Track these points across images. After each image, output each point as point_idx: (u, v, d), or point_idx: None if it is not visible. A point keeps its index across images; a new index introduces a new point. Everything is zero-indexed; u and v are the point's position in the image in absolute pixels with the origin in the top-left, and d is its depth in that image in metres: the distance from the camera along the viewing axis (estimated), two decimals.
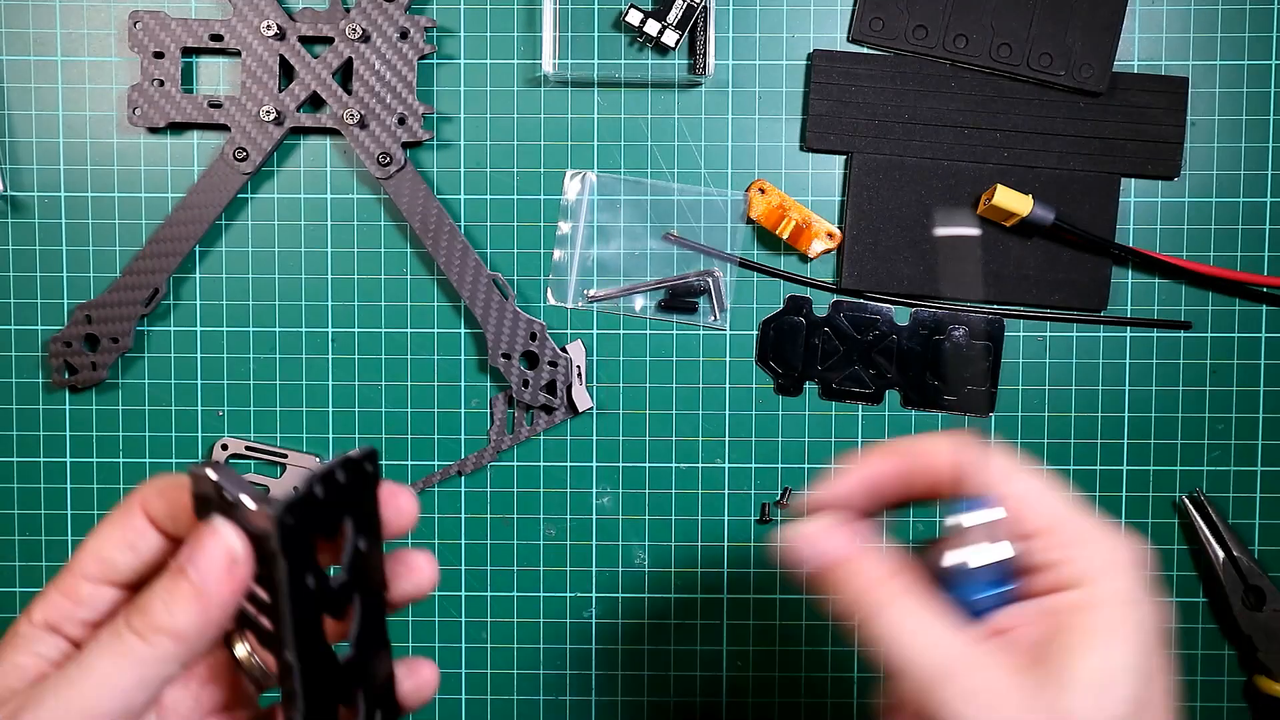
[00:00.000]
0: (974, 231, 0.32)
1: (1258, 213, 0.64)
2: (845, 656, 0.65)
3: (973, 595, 0.33)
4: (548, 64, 0.62)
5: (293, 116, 0.62)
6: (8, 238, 0.64)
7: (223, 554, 0.29)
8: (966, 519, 0.33)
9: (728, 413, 0.65)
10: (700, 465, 0.65)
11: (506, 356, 0.63)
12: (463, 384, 0.65)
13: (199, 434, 0.65)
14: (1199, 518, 0.64)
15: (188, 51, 0.63)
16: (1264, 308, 0.64)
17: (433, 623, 0.65)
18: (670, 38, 0.61)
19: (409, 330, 0.65)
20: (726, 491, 0.65)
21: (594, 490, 0.65)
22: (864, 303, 0.64)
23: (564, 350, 0.64)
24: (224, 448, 0.64)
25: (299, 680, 0.29)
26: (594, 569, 0.65)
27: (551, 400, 0.63)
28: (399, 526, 0.33)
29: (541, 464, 0.65)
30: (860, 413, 0.65)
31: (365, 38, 0.61)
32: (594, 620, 0.66)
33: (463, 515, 0.65)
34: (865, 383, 0.65)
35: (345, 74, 0.62)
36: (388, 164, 0.62)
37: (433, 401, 0.65)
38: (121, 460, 0.65)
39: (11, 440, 0.65)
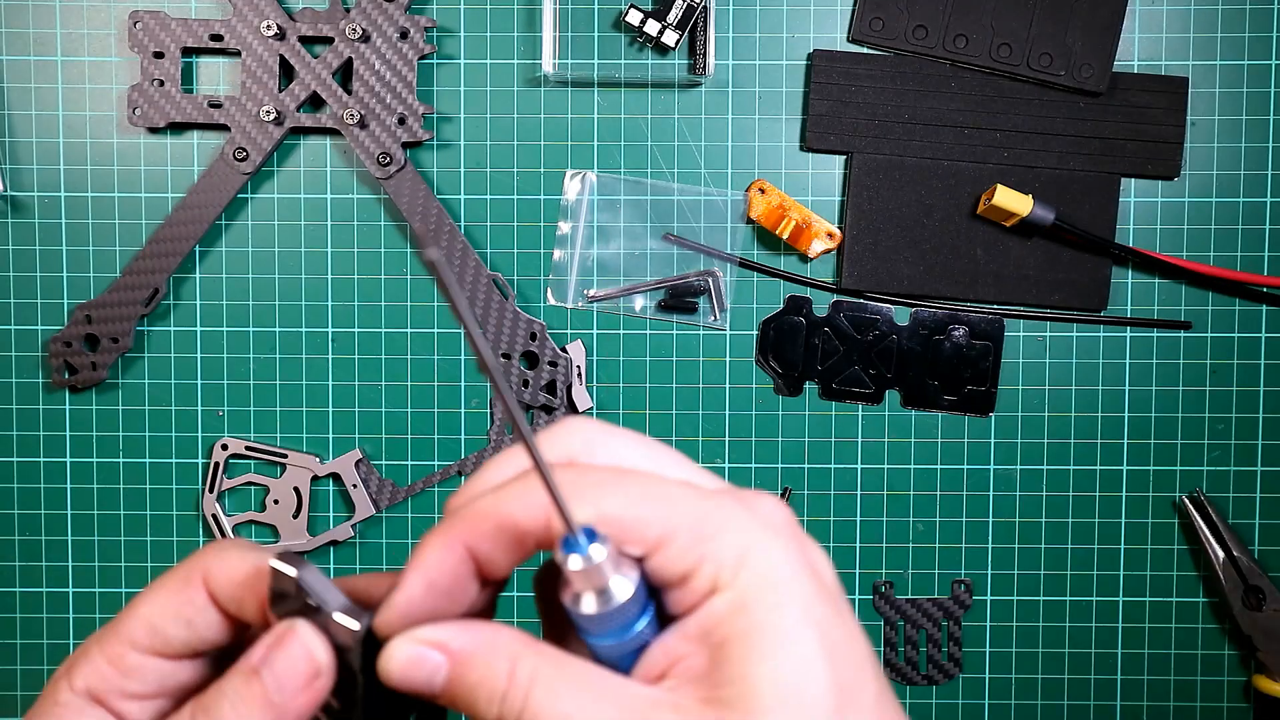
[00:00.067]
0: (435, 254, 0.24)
1: (1258, 213, 0.64)
2: None
3: (620, 637, 0.26)
4: (548, 64, 0.62)
5: (293, 116, 0.62)
6: (8, 238, 0.64)
7: (306, 665, 0.26)
8: (570, 565, 0.25)
9: (728, 413, 0.65)
10: (700, 465, 0.65)
11: (506, 356, 0.63)
12: (463, 384, 0.65)
13: (199, 434, 0.65)
14: (1199, 518, 0.64)
15: (188, 51, 0.63)
16: (1264, 308, 0.64)
17: None
18: (670, 38, 0.61)
19: (409, 330, 0.65)
20: None
21: None
22: (864, 303, 0.64)
23: (564, 350, 0.64)
24: (224, 448, 0.64)
25: None
26: None
27: (551, 400, 0.63)
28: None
29: None
30: (860, 413, 0.65)
31: (365, 38, 0.61)
32: None
33: None
34: (865, 383, 0.65)
35: (345, 74, 0.62)
36: (388, 164, 0.62)
37: (433, 401, 0.65)
38: (121, 460, 0.65)
39: (11, 440, 0.65)
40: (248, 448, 0.64)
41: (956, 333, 0.64)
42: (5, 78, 0.64)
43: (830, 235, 0.63)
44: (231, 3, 0.61)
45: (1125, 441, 0.65)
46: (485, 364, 0.24)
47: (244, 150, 0.62)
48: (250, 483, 0.65)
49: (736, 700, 0.24)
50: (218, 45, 0.62)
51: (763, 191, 0.63)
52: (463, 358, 0.65)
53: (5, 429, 0.65)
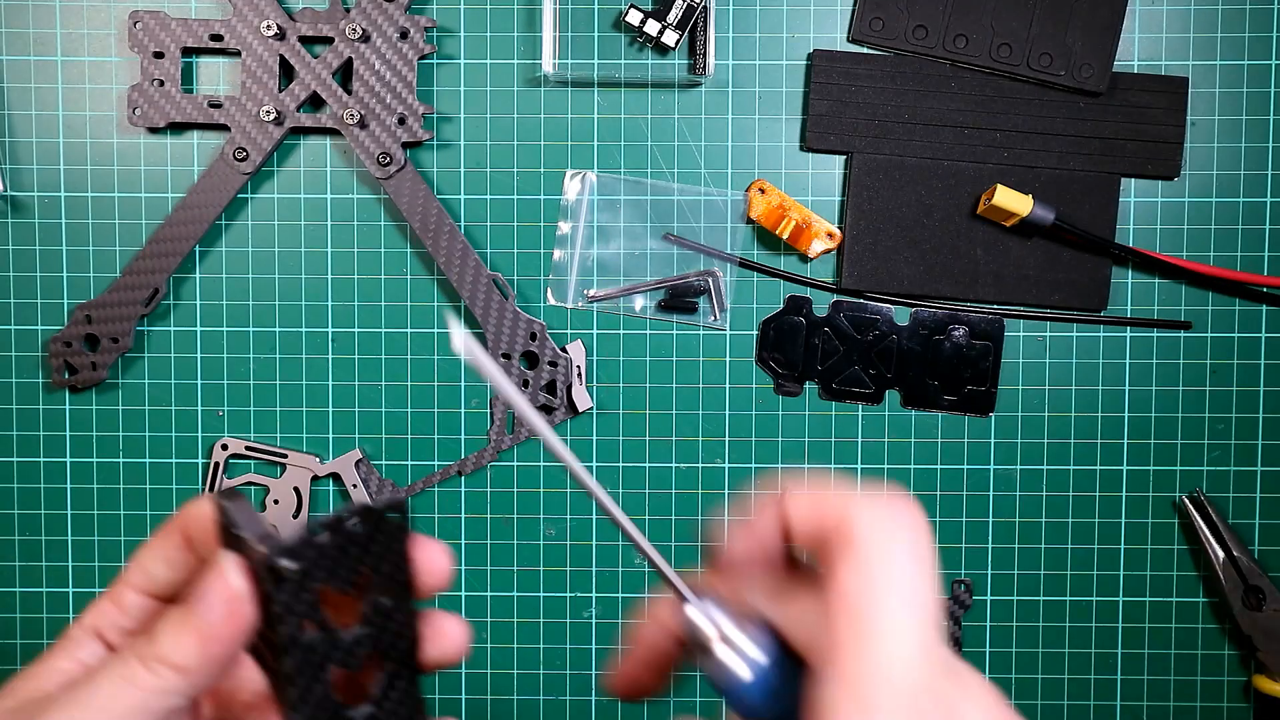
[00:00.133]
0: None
1: (1258, 213, 0.64)
2: None
3: (769, 698, 0.28)
4: (548, 64, 0.62)
5: (293, 116, 0.62)
6: (8, 238, 0.64)
7: (225, 592, 0.28)
8: (704, 631, 0.29)
9: (728, 413, 0.65)
10: (700, 465, 0.65)
11: (506, 356, 0.63)
12: (463, 384, 0.65)
13: (199, 434, 0.65)
14: (1199, 518, 0.64)
15: (188, 51, 0.63)
16: (1264, 308, 0.64)
17: None
18: (670, 38, 0.61)
19: (409, 330, 0.65)
20: (726, 491, 0.65)
21: None
22: (864, 303, 0.64)
23: (564, 350, 0.64)
24: (224, 448, 0.64)
25: None
26: (594, 569, 0.65)
27: (551, 400, 0.63)
28: (430, 585, 0.31)
29: (541, 464, 0.65)
30: (860, 413, 0.65)
31: (365, 38, 0.61)
32: (594, 620, 0.66)
33: (463, 515, 0.65)
34: (865, 383, 0.65)
35: (345, 74, 0.62)
36: (388, 164, 0.62)
37: (433, 401, 0.65)
38: (121, 460, 0.65)
39: (11, 440, 0.65)
40: (248, 448, 0.64)
41: (956, 333, 0.64)
42: (5, 78, 0.64)
43: (830, 235, 0.63)
44: (231, 3, 0.61)
45: (1125, 441, 0.65)
46: (616, 521, 0.29)
47: (244, 150, 0.62)
48: (250, 483, 0.65)
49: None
50: (218, 45, 0.62)
51: (763, 191, 0.63)
52: (463, 358, 0.65)
53: (5, 429, 0.65)
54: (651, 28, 0.61)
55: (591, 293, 0.64)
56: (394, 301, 0.64)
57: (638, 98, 0.64)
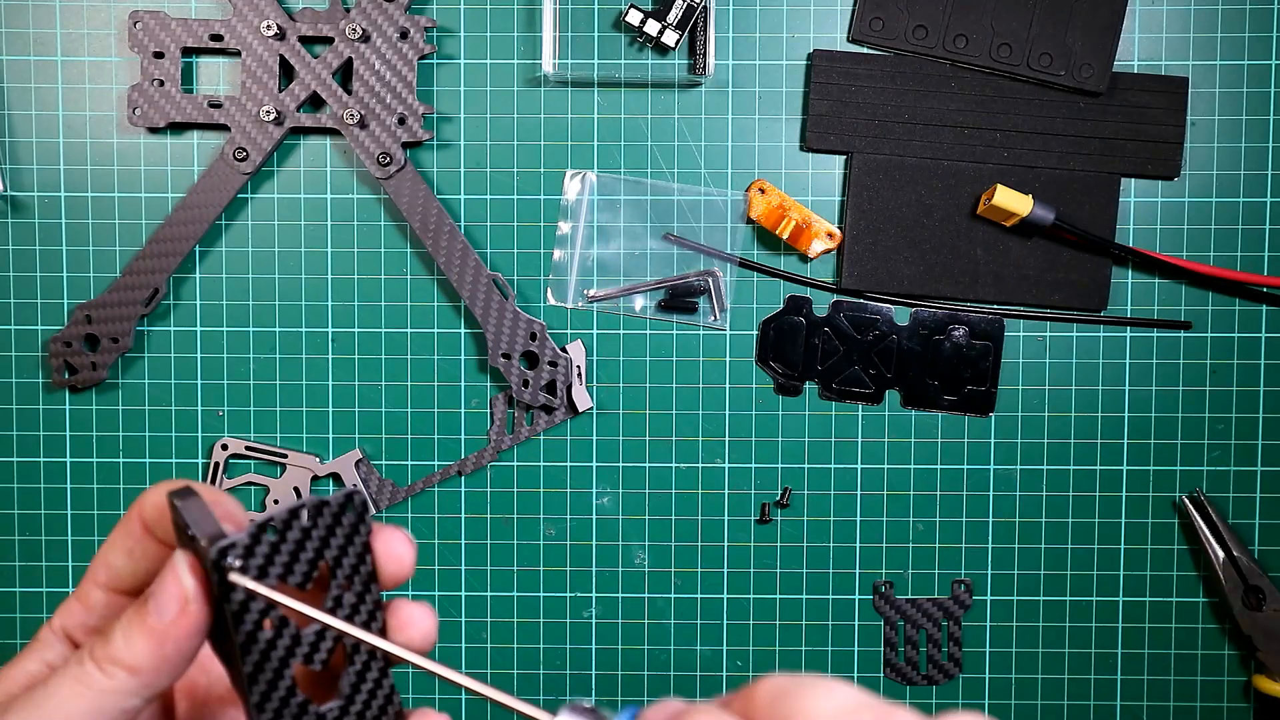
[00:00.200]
0: None
1: (1258, 213, 0.64)
2: (845, 656, 0.65)
3: None
4: (548, 64, 0.62)
5: (293, 116, 0.62)
6: (8, 238, 0.64)
7: (177, 592, 0.28)
8: None
9: (728, 413, 0.65)
10: (700, 465, 0.65)
11: (506, 356, 0.63)
12: (463, 384, 0.65)
13: (199, 434, 0.65)
14: (1199, 518, 0.64)
15: (188, 51, 0.63)
16: (1264, 308, 0.64)
17: None
18: (670, 38, 0.61)
19: (409, 330, 0.65)
20: (726, 491, 0.65)
21: (594, 490, 0.65)
22: (864, 303, 0.64)
23: (564, 350, 0.64)
24: (224, 448, 0.64)
25: None
26: (594, 569, 0.65)
27: (551, 400, 0.63)
28: (394, 576, 0.30)
29: (541, 464, 0.65)
30: (860, 413, 0.65)
31: (365, 38, 0.61)
32: (594, 620, 0.66)
33: (463, 515, 0.65)
34: (865, 383, 0.65)
35: (345, 74, 0.62)
36: (388, 164, 0.62)
37: (433, 401, 0.65)
38: (121, 460, 0.65)
39: (11, 440, 0.65)
40: (248, 448, 0.64)
41: (956, 333, 0.64)
42: (5, 78, 0.64)
43: (830, 235, 0.63)
44: (231, 3, 0.61)
45: (1125, 441, 0.65)
46: None
47: (244, 150, 0.62)
48: (250, 483, 0.65)
49: None
50: (218, 45, 0.62)
51: (763, 191, 0.63)
52: (462, 358, 0.65)
53: (5, 429, 0.65)
54: (651, 28, 0.61)
55: (591, 293, 0.64)
56: (394, 301, 0.64)
57: (638, 98, 0.64)
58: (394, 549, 0.30)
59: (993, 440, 0.65)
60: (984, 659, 0.65)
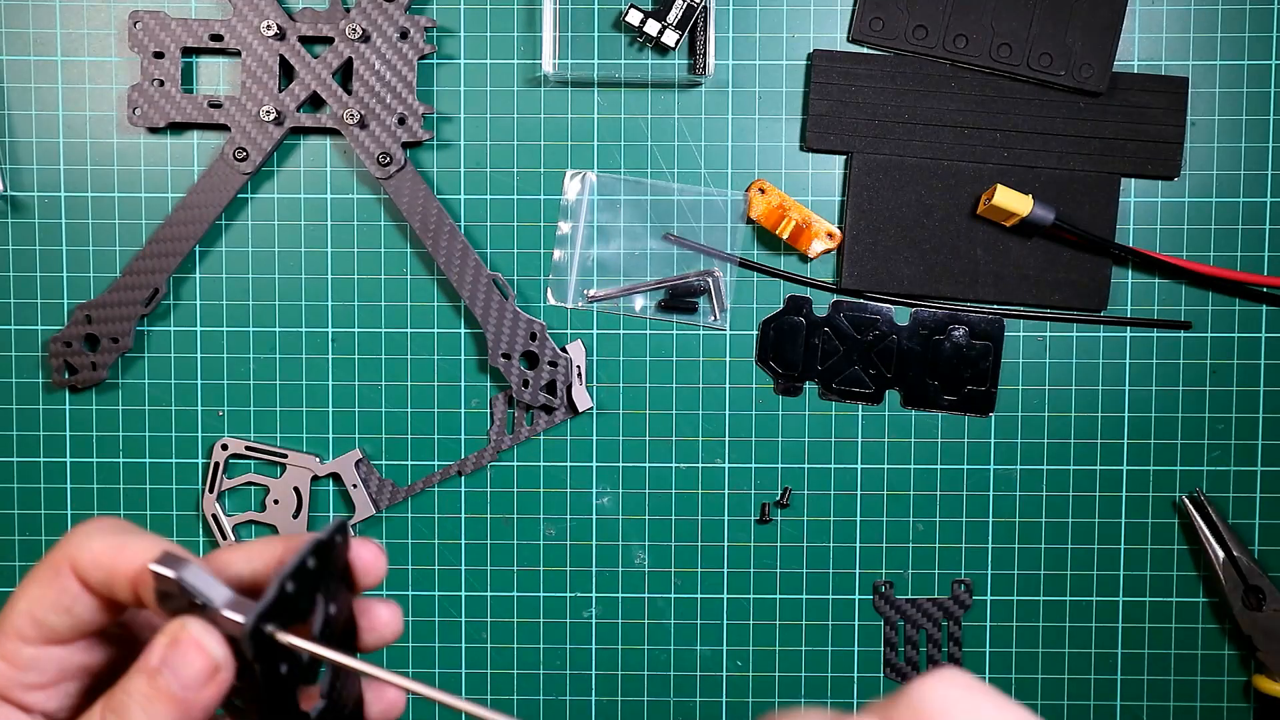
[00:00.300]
0: None
1: (1258, 213, 0.64)
2: (845, 656, 0.65)
3: None
4: (548, 64, 0.62)
5: (293, 116, 0.62)
6: (8, 238, 0.64)
7: (205, 663, 0.27)
8: None
9: (728, 413, 0.65)
10: (700, 465, 0.65)
11: (506, 356, 0.63)
12: (463, 384, 0.65)
13: (199, 434, 0.65)
14: (1199, 518, 0.64)
15: (188, 51, 0.63)
16: (1264, 308, 0.64)
17: (433, 623, 0.65)
18: (670, 38, 0.61)
19: (409, 330, 0.65)
20: (726, 491, 0.65)
21: (594, 490, 0.65)
22: (864, 303, 0.64)
23: (564, 350, 0.64)
24: (224, 448, 0.64)
25: None
26: (594, 569, 0.65)
27: (551, 400, 0.63)
28: (369, 583, 0.32)
29: (541, 464, 0.65)
30: (860, 413, 0.65)
31: (365, 38, 0.61)
32: (594, 620, 0.66)
33: (463, 515, 0.65)
34: (865, 383, 0.65)
35: (345, 74, 0.62)
36: (388, 164, 0.62)
37: (433, 401, 0.65)
38: (121, 460, 0.65)
39: (11, 440, 0.65)
40: (248, 448, 0.64)
41: (956, 333, 0.64)
42: (5, 78, 0.64)
43: (830, 235, 0.63)
44: (231, 3, 0.61)
45: (1125, 441, 0.65)
46: None
47: (244, 150, 0.62)
48: (250, 483, 0.65)
49: None
50: (218, 45, 0.62)
51: (763, 191, 0.63)
52: (462, 358, 0.65)
53: (5, 429, 0.65)
54: (651, 28, 0.61)
55: (591, 293, 0.64)
56: (394, 301, 0.64)
57: (638, 98, 0.64)
58: (371, 562, 0.31)
59: (993, 440, 0.65)
60: (984, 659, 0.65)
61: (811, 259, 0.64)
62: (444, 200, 0.64)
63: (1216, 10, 0.63)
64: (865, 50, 0.63)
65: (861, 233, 0.63)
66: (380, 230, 0.64)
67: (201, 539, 0.65)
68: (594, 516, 0.65)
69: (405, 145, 0.62)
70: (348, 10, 0.62)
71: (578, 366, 0.64)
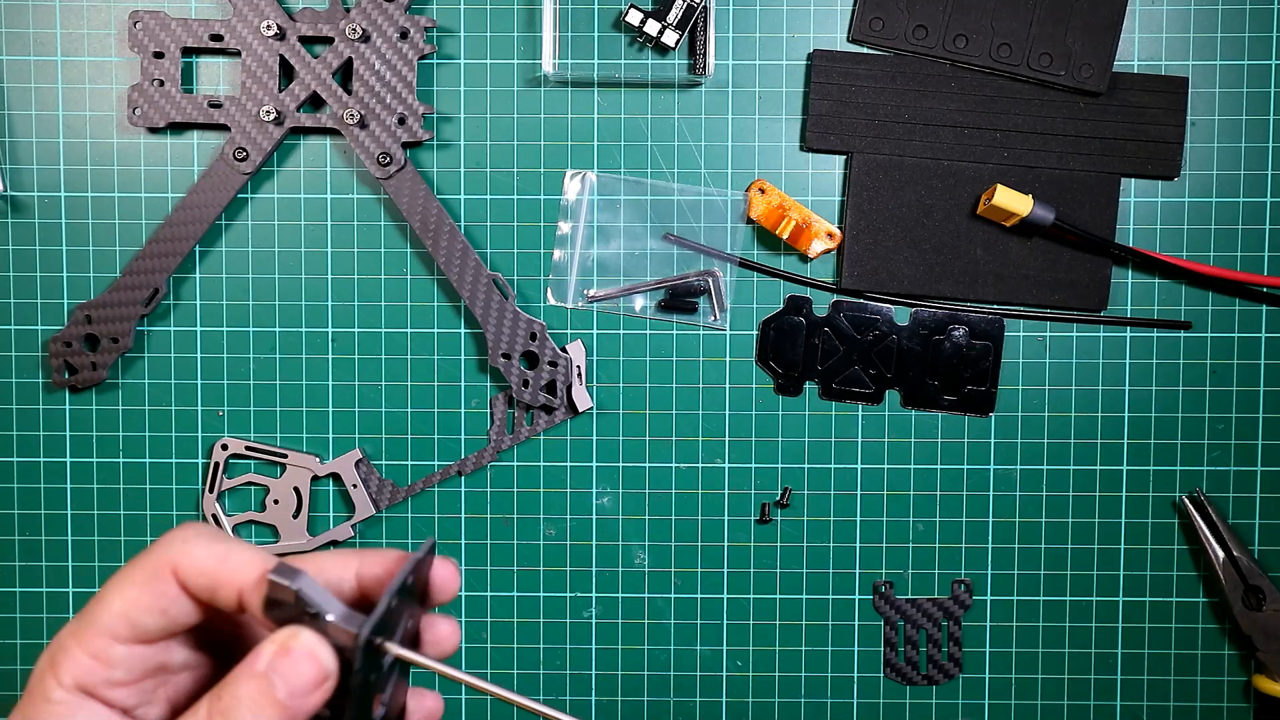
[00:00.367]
0: None
1: (1258, 213, 0.64)
2: (845, 656, 0.65)
3: None
4: (548, 64, 0.62)
5: (293, 116, 0.62)
6: (8, 238, 0.64)
7: (316, 671, 0.29)
8: None
9: (728, 413, 0.65)
10: (700, 465, 0.65)
11: (506, 356, 0.63)
12: (463, 384, 0.65)
13: (199, 434, 0.65)
14: (1199, 518, 0.64)
15: (188, 51, 0.63)
16: (1264, 308, 0.64)
17: None
18: (670, 38, 0.61)
19: (409, 330, 0.65)
20: (726, 491, 0.65)
21: (594, 490, 0.65)
22: (864, 303, 0.64)
23: (564, 350, 0.64)
24: (224, 448, 0.64)
25: None
26: (594, 569, 0.65)
27: (551, 400, 0.63)
28: (442, 600, 0.33)
29: (541, 464, 0.65)
30: (860, 413, 0.65)
31: (365, 38, 0.61)
32: (594, 620, 0.66)
33: (463, 515, 0.65)
34: (865, 383, 0.65)
35: (345, 74, 0.62)
36: (388, 164, 0.62)
37: (433, 401, 0.65)
38: (121, 460, 0.65)
39: (11, 440, 0.65)
40: (248, 448, 0.64)
41: (956, 333, 0.64)
42: (5, 78, 0.64)
43: (830, 235, 0.63)
44: (231, 3, 0.61)
45: (1125, 441, 0.65)
46: None
47: (244, 150, 0.62)
48: (250, 483, 0.65)
49: None
50: (218, 45, 0.62)
51: (763, 191, 0.63)
52: (462, 358, 0.65)
53: (5, 429, 0.65)
54: (651, 28, 0.61)
55: (591, 293, 0.64)
56: (394, 301, 0.64)
57: (638, 98, 0.64)
58: (449, 580, 0.33)
59: (993, 440, 0.65)
60: (984, 659, 0.65)
61: (811, 259, 0.64)
62: (444, 200, 0.64)
63: (1216, 10, 0.63)
64: (865, 50, 0.63)
65: (861, 233, 0.63)
66: (380, 230, 0.64)
67: None
68: (594, 516, 0.65)
69: (405, 145, 0.62)
70: (348, 10, 0.62)
71: (578, 366, 0.64)
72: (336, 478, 0.65)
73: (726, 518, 0.65)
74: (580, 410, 0.64)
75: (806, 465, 0.65)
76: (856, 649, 0.65)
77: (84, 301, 0.63)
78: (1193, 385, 0.64)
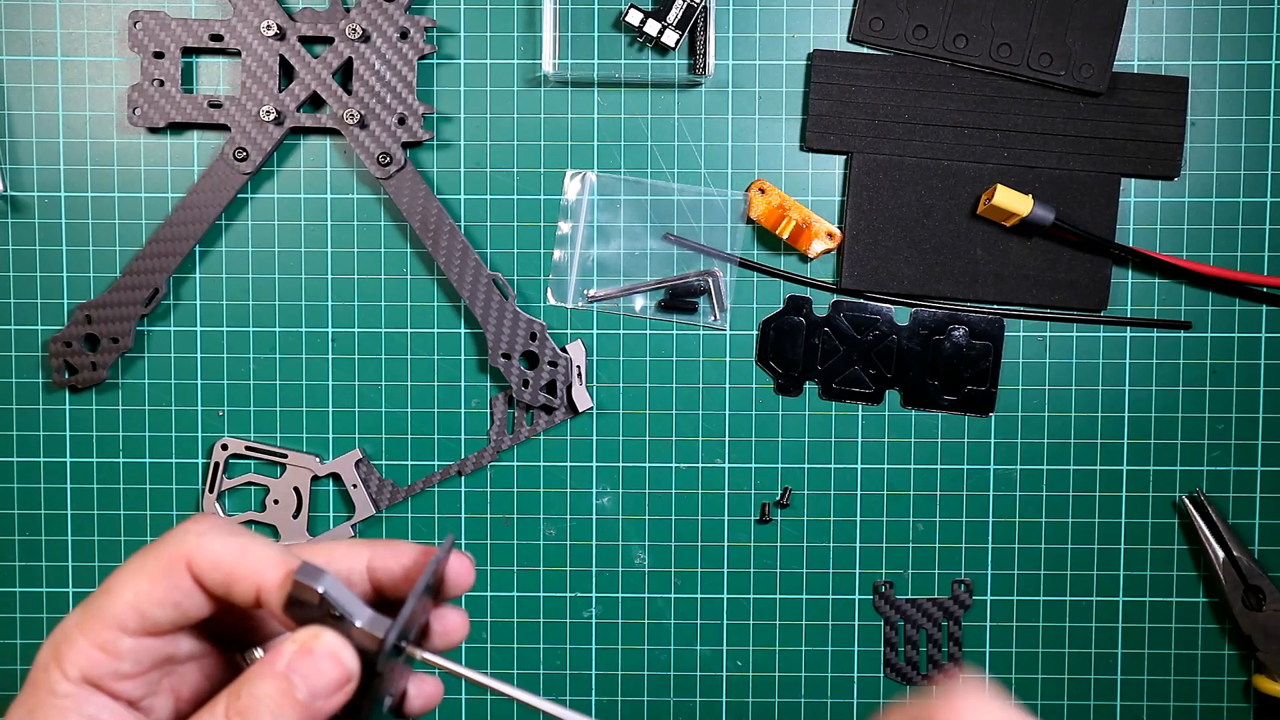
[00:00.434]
0: None
1: (1258, 213, 0.64)
2: (845, 656, 0.65)
3: None
4: (548, 64, 0.62)
5: (293, 116, 0.62)
6: (8, 238, 0.64)
7: (338, 673, 0.29)
8: None
9: (728, 413, 0.65)
10: (700, 465, 0.65)
11: (506, 356, 0.63)
12: (463, 384, 0.65)
13: (199, 434, 0.65)
14: (1199, 518, 0.64)
15: (188, 51, 0.63)
16: (1264, 308, 0.64)
17: None
18: (670, 38, 0.61)
19: (409, 330, 0.65)
20: (726, 491, 0.65)
21: (594, 490, 0.65)
22: (864, 303, 0.64)
23: (564, 350, 0.64)
24: (224, 448, 0.64)
25: None
26: (594, 569, 0.65)
27: (551, 400, 0.63)
28: (455, 594, 0.33)
29: (541, 464, 0.65)
30: (860, 413, 0.65)
31: (365, 38, 0.61)
32: (594, 620, 0.66)
33: (463, 515, 0.65)
34: (865, 383, 0.65)
35: (345, 74, 0.62)
36: (388, 164, 0.62)
37: (433, 401, 0.65)
38: (121, 460, 0.65)
39: (11, 440, 0.65)
40: (248, 448, 0.64)
41: (956, 333, 0.64)
42: (5, 78, 0.64)
43: (830, 235, 0.63)
44: (231, 3, 0.61)
45: (1125, 441, 0.65)
46: None
47: (244, 150, 0.62)
48: (250, 483, 0.65)
49: None
50: (218, 45, 0.62)
51: (763, 191, 0.63)
52: (462, 358, 0.65)
53: (5, 429, 0.65)
54: (651, 28, 0.61)
55: (591, 293, 0.64)
56: (394, 301, 0.65)
57: (638, 98, 0.64)
58: (464, 575, 0.33)
59: (993, 440, 0.65)
60: (984, 659, 0.65)
61: (811, 259, 0.64)
62: (444, 200, 0.64)
63: (1216, 10, 0.63)
64: (865, 50, 0.63)
65: (861, 233, 0.63)
66: (380, 230, 0.64)
67: None
68: (594, 516, 0.65)
69: (405, 145, 0.62)
70: (348, 10, 0.62)
71: (578, 366, 0.64)
72: (336, 478, 0.65)
73: (726, 518, 0.65)
74: (580, 410, 0.64)
75: (806, 465, 0.65)
76: (856, 649, 0.65)
77: (84, 301, 0.63)
78: (1193, 385, 0.64)
